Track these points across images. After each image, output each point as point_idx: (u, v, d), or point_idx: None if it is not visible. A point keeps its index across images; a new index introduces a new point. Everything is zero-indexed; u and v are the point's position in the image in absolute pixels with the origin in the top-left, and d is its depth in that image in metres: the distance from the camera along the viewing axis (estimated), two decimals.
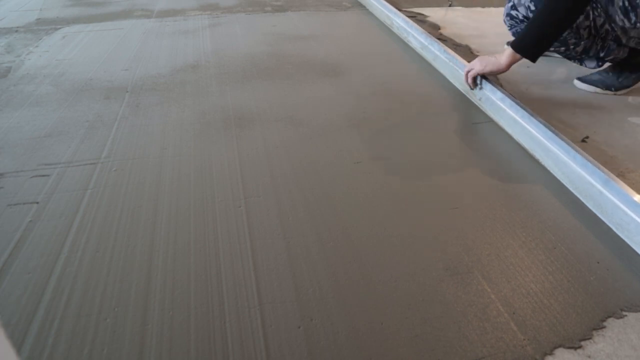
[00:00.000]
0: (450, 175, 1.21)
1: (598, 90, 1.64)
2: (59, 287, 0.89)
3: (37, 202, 1.11)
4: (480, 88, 1.51)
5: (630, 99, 1.61)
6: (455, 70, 1.68)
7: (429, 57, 1.88)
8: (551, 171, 1.20)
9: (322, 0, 2.79)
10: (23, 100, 1.60)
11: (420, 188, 1.16)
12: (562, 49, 1.59)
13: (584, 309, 0.84)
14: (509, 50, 1.39)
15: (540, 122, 1.24)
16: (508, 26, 1.63)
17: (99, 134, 1.39)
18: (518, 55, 1.38)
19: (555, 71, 1.84)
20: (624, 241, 0.99)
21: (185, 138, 1.37)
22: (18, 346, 0.78)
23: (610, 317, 0.83)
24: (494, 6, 2.68)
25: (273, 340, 0.79)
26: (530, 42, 1.35)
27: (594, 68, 1.64)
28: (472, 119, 1.47)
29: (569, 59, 1.65)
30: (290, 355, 0.77)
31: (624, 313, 0.83)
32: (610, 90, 1.62)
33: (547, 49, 1.37)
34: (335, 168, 1.23)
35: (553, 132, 1.20)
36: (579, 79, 1.68)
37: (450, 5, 2.72)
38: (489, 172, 1.22)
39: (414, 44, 1.99)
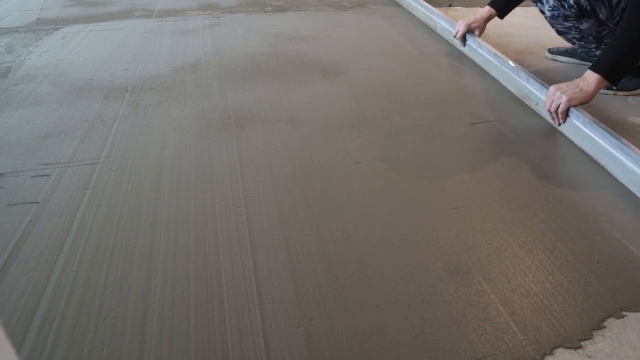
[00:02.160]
0: (450, 175, 1.21)
1: None
2: (58, 286, 0.89)
3: (37, 202, 1.11)
4: (567, 117, 1.36)
5: (630, 99, 1.61)
6: (506, 73, 1.67)
7: (479, 60, 1.86)
8: (617, 178, 1.18)
9: (322, 0, 2.79)
10: (23, 100, 1.60)
11: (420, 188, 1.16)
12: (582, 42, 1.64)
13: (584, 309, 0.84)
14: (595, 78, 1.29)
15: (603, 127, 1.24)
16: (550, 7, 1.59)
17: (99, 134, 1.39)
18: (605, 82, 1.29)
19: (557, 71, 1.84)
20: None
21: (185, 138, 1.37)
22: (18, 346, 0.78)
23: (610, 317, 0.83)
24: None
25: (273, 340, 0.79)
26: (623, 68, 1.28)
27: None
28: (471, 119, 1.47)
29: (583, 59, 1.66)
30: (290, 355, 0.77)
31: (624, 313, 0.83)
32: (611, 90, 1.62)
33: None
34: (335, 168, 1.23)
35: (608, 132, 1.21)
36: None
37: (450, 5, 2.72)
38: (488, 172, 1.22)
39: (462, 49, 1.98)
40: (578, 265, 0.94)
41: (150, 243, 0.99)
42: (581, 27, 1.58)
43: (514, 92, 1.63)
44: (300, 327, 0.81)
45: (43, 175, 1.20)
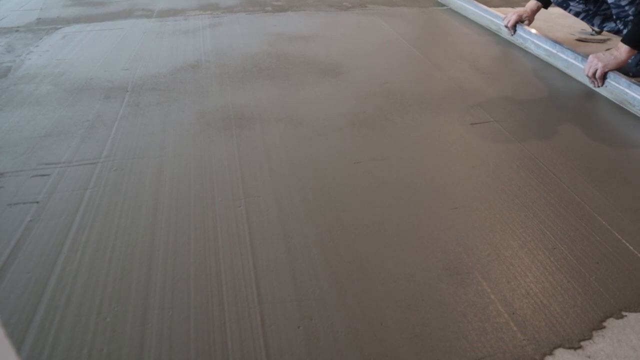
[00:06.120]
0: (450, 175, 1.21)
1: None
2: (58, 286, 0.89)
3: (37, 202, 1.11)
4: (605, 85, 1.60)
5: None
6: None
7: (560, 65, 1.83)
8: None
9: (322, 0, 2.79)
10: (23, 99, 1.60)
11: (420, 188, 1.16)
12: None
13: (583, 309, 0.84)
14: (625, 48, 1.54)
15: None
16: None
17: (99, 134, 1.39)
18: (634, 51, 1.55)
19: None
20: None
21: (185, 137, 1.37)
22: (18, 345, 0.78)
23: (610, 317, 0.83)
24: (494, 6, 2.68)
25: (273, 340, 0.79)
26: None
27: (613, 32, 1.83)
28: (471, 119, 1.47)
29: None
30: (290, 355, 0.77)
31: (624, 313, 0.83)
32: (627, 75, 1.63)
33: None
34: (335, 168, 1.23)
35: None
36: None
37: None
38: (488, 172, 1.22)
39: (534, 49, 1.97)
40: (578, 265, 0.94)
41: (150, 243, 0.99)
42: None
43: (609, 98, 1.60)
44: (300, 327, 0.81)
45: (43, 175, 1.20)
